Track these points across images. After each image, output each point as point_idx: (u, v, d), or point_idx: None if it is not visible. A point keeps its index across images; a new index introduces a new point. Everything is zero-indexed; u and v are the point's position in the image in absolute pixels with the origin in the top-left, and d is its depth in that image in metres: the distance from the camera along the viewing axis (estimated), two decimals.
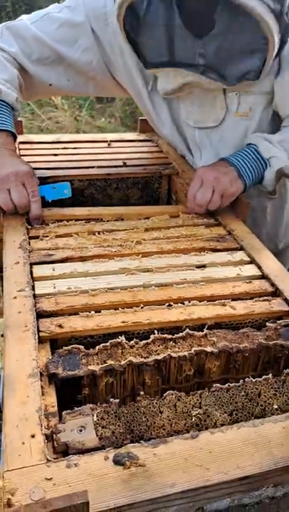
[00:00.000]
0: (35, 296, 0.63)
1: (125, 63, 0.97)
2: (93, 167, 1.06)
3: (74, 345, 0.55)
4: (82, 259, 0.73)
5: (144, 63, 0.91)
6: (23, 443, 0.43)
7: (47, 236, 0.78)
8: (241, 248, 0.79)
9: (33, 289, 0.65)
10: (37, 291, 0.64)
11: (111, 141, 1.24)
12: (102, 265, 0.71)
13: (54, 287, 0.66)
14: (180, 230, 0.83)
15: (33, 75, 0.97)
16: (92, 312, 0.61)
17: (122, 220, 0.86)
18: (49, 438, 0.45)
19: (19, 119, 1.23)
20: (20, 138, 1.18)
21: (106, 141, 1.23)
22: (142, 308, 0.63)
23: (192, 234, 0.82)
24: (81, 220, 0.84)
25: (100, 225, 0.83)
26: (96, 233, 0.80)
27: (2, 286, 0.77)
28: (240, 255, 0.77)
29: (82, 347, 0.55)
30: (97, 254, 0.74)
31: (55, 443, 0.44)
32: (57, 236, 0.79)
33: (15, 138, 0.92)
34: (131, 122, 3.97)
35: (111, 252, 0.75)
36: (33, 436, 0.44)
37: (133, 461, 0.42)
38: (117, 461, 0.42)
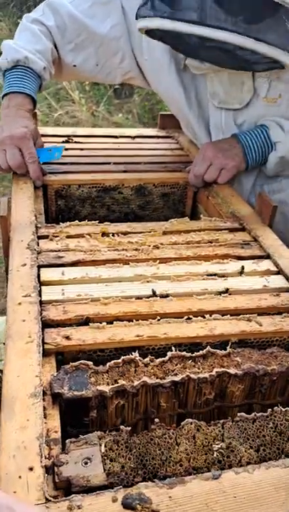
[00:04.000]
0: (41, 302, 0.58)
1: (149, 42, 0.92)
2: (109, 163, 1.01)
3: (82, 362, 0.49)
4: (95, 263, 0.67)
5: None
6: (20, 477, 0.38)
7: (57, 236, 0.73)
8: (268, 256, 0.72)
9: (40, 294, 0.59)
10: (44, 297, 0.59)
11: (129, 136, 1.18)
12: (115, 271, 0.66)
13: (63, 293, 0.60)
14: (201, 234, 0.77)
15: (61, 54, 1.00)
16: (104, 323, 0.55)
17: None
18: (50, 470, 0.39)
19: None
20: None
21: (124, 137, 1.18)
22: (158, 320, 0.57)
23: (214, 239, 0.75)
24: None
25: (115, 227, 0.78)
26: (110, 235, 0.75)
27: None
28: (266, 264, 0.70)
29: (90, 363, 0.50)
30: (110, 259, 0.68)
31: (56, 477, 0.38)
32: (68, 237, 0.73)
33: (34, 102, 0.94)
34: (148, 119, 3.90)
35: (126, 257, 0.69)
36: (31, 469, 0.38)
37: (145, 505, 0.36)
38: (126, 505, 0.36)
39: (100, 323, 0.55)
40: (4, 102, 0.93)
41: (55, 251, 0.69)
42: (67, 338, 0.53)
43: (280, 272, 0.69)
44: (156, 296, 0.61)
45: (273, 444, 0.44)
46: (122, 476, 0.39)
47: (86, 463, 0.40)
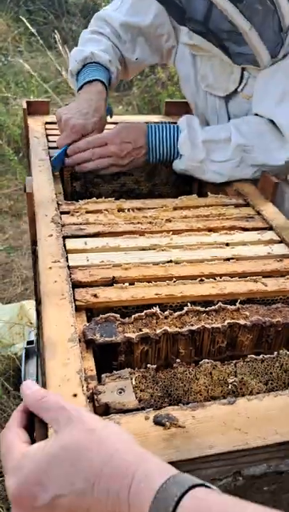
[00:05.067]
0: (69, 267, 0.64)
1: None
2: None
3: (110, 314, 0.56)
4: (113, 234, 0.74)
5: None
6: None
7: (77, 212, 0.79)
8: (271, 228, 0.79)
9: (67, 260, 0.66)
10: (71, 263, 0.65)
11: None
12: (133, 241, 0.72)
13: (87, 260, 0.67)
14: (209, 209, 0.83)
15: (122, 53, 1.09)
16: (126, 284, 0.62)
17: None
18: (90, 399, 0.46)
19: (46, 99, 1.25)
20: (46, 118, 1.19)
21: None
22: (174, 282, 0.63)
23: (222, 213, 0.82)
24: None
25: (129, 203, 0.84)
26: (125, 210, 0.81)
27: (35, 260, 0.79)
28: (269, 235, 0.77)
29: (118, 315, 0.56)
30: (127, 231, 0.75)
31: (96, 403, 0.45)
32: (87, 212, 0.80)
33: (106, 88, 1.01)
34: (148, 111, 3.94)
35: (141, 229, 0.75)
36: (75, 395, 0.45)
37: (173, 422, 0.43)
38: (157, 422, 0.43)
39: (123, 284, 0.62)
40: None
41: (77, 224, 0.75)
42: (95, 296, 0.59)
43: (282, 241, 0.76)
44: (171, 262, 0.68)
45: (279, 379, 0.51)
46: (152, 402, 0.46)
47: (120, 392, 0.46)
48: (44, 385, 0.46)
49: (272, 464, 0.44)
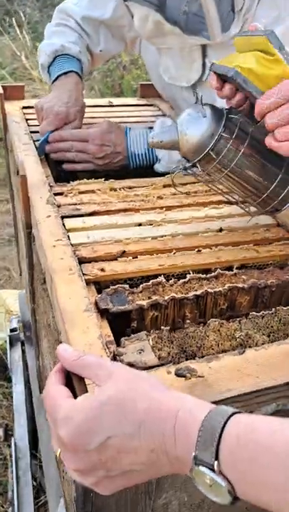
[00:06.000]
0: (72, 245, 0.67)
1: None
2: None
3: (119, 285, 0.59)
4: (109, 212, 0.76)
5: None
6: None
7: (71, 193, 0.81)
8: None
9: (69, 239, 0.68)
10: (73, 241, 0.68)
11: (111, 105, 1.25)
12: (128, 218, 0.75)
13: (88, 237, 0.69)
14: (196, 186, 0.87)
15: (88, 45, 1.09)
16: (130, 258, 0.65)
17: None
18: (113, 361, 0.49)
19: (21, 83, 1.23)
20: (23, 103, 1.18)
21: (105, 106, 1.25)
22: (174, 254, 0.67)
23: (208, 189, 0.86)
24: None
25: (120, 183, 0.86)
26: (117, 189, 0.84)
27: (29, 244, 0.80)
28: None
29: (127, 286, 0.60)
30: (122, 209, 0.77)
31: (120, 362, 0.49)
32: (80, 192, 0.82)
33: (81, 79, 1.03)
34: (112, 95, 3.92)
35: (135, 207, 0.78)
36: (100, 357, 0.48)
37: (193, 373, 0.47)
38: (179, 374, 0.47)
39: (127, 258, 0.65)
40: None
41: (73, 204, 0.77)
42: (102, 270, 0.62)
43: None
44: (168, 236, 0.71)
45: (280, 331, 0.56)
46: (170, 358, 0.50)
47: (140, 352, 0.50)
48: (39, 370, 0.49)
49: (281, 402, 0.49)
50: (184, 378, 0.47)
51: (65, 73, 1.00)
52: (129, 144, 0.94)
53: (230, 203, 0.83)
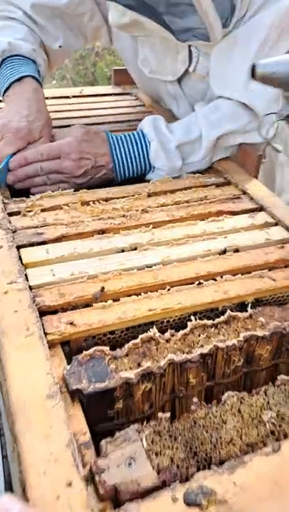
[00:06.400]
0: (31, 288, 0.50)
1: None
2: (69, 126, 0.90)
3: (97, 348, 0.43)
4: (81, 236, 0.59)
5: None
6: (58, 497, 0.31)
7: (30, 211, 0.63)
8: (262, 208, 0.68)
9: (27, 279, 0.51)
10: (32, 282, 0.51)
11: (84, 95, 1.07)
12: (107, 242, 0.58)
13: (53, 274, 0.52)
14: (188, 193, 0.71)
15: (43, 40, 0.86)
16: (110, 301, 0.49)
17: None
18: (88, 480, 0.33)
19: None
20: None
21: (77, 96, 1.07)
22: (168, 290, 0.51)
23: (204, 196, 0.70)
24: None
25: (93, 194, 0.69)
26: (90, 203, 0.67)
27: None
28: (262, 217, 0.66)
29: (106, 348, 0.43)
30: (98, 229, 0.60)
31: (99, 487, 0.32)
32: (43, 210, 0.64)
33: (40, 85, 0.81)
34: (85, 84, 3.70)
35: (114, 225, 0.61)
36: (69, 484, 0.32)
37: (211, 497, 0.31)
38: (190, 502, 0.31)
39: (105, 301, 0.49)
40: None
41: (33, 227, 0.60)
42: (72, 324, 0.46)
43: (277, 223, 0.65)
44: (159, 264, 0.55)
45: None
46: (174, 470, 0.34)
47: (130, 464, 0.34)
48: (9, 478, 0.33)
49: None
50: (198, 508, 0.31)
51: (19, 79, 0.78)
52: (114, 153, 0.75)
53: (232, 212, 0.67)
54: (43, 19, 0.85)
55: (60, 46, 0.89)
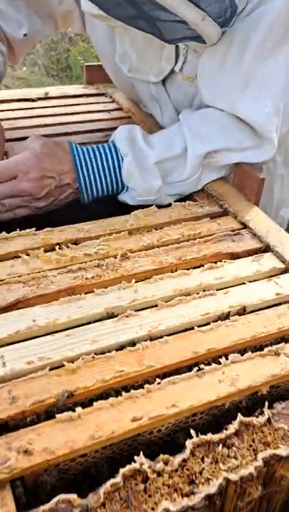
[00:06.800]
0: None
1: None
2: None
3: (61, 497, 0.30)
4: (43, 298, 0.46)
5: None
6: None
7: None
8: (267, 248, 0.56)
9: None
10: None
11: (51, 97, 0.92)
12: (76, 307, 0.45)
13: (3, 363, 0.39)
14: (178, 228, 0.58)
15: (4, 29, 0.71)
16: (79, 409, 0.36)
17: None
18: None
19: None
20: None
21: (43, 99, 0.91)
22: (158, 384, 0.38)
23: (196, 233, 0.57)
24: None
25: (60, 233, 0.55)
26: (56, 247, 0.53)
27: None
28: (269, 260, 0.54)
29: (74, 497, 0.30)
30: (65, 288, 0.47)
31: None
32: None
33: None
34: (57, 71, 3.48)
35: (87, 281, 0.48)
36: None
37: None
38: None
39: (73, 408, 0.36)
40: None
41: None
42: (27, 452, 0.33)
43: (287, 268, 0.53)
44: (144, 340, 0.42)
45: None
46: None
47: None
48: None
49: None
50: None
51: None
52: (80, 169, 0.61)
53: (232, 254, 0.55)
54: (2, 2, 0.70)
55: (24, 35, 0.75)
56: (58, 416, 0.35)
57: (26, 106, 0.87)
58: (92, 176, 0.62)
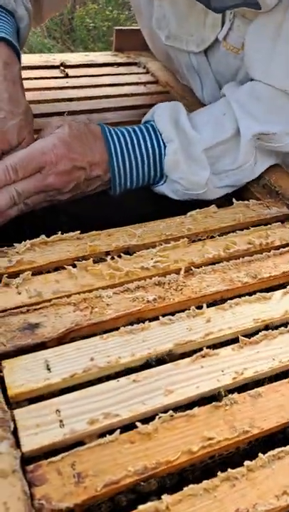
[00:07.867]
0: (24, 459, 0.28)
1: None
2: (62, 113, 0.64)
3: None
4: (99, 327, 0.37)
5: None
6: None
7: (16, 275, 0.40)
8: None
9: (17, 436, 0.29)
10: (25, 442, 0.28)
11: (80, 65, 0.79)
12: (139, 340, 0.36)
13: (60, 422, 0.30)
14: (246, 235, 0.49)
15: None
16: (165, 497, 0.27)
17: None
18: None
19: None
20: None
21: (69, 66, 0.79)
22: (260, 459, 0.30)
23: (270, 243, 0.48)
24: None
25: (108, 239, 0.46)
26: (107, 257, 0.43)
27: None
28: None
29: None
30: (124, 314, 0.38)
31: None
32: (34, 273, 0.40)
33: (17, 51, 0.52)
34: (61, 33, 3.25)
35: (149, 304, 0.39)
36: None
37: None
38: None
39: (153, 491, 0.27)
40: None
41: (22, 310, 0.36)
42: None
43: None
44: (226, 393, 0.34)
45: None
46: None
47: None
48: None
49: None
50: None
51: None
52: (114, 157, 0.50)
53: None
54: None
55: None
56: (140, 508, 0.27)
57: (50, 74, 0.75)
58: (128, 166, 0.51)
